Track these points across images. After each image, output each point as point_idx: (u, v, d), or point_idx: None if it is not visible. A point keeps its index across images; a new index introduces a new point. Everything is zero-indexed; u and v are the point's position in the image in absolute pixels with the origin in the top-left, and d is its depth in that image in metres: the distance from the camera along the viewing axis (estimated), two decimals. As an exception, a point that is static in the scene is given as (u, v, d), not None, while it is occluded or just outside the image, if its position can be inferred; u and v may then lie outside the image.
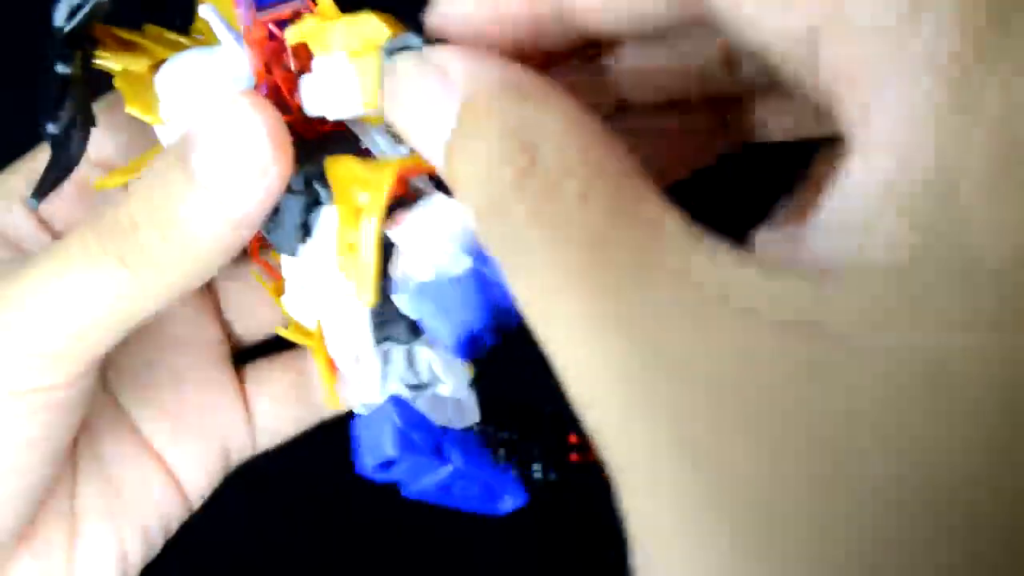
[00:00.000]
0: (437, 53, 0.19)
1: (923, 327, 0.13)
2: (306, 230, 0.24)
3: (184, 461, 0.28)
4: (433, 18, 0.20)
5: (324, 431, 0.32)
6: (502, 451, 0.45)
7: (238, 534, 0.42)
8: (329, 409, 0.29)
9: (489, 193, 0.17)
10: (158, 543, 0.28)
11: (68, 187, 0.25)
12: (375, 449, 0.23)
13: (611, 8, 0.19)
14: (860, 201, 0.15)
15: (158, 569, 0.30)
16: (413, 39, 0.21)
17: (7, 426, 0.23)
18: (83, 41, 0.24)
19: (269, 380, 0.30)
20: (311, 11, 0.24)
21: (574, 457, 0.43)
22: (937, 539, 0.13)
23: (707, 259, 0.15)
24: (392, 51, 0.21)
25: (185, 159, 0.22)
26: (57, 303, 0.23)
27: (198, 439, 0.29)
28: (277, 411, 0.30)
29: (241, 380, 0.30)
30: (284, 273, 0.25)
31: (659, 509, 0.14)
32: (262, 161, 0.22)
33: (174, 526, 0.29)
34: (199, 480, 0.29)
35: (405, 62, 0.20)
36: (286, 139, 0.22)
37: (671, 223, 0.16)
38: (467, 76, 0.18)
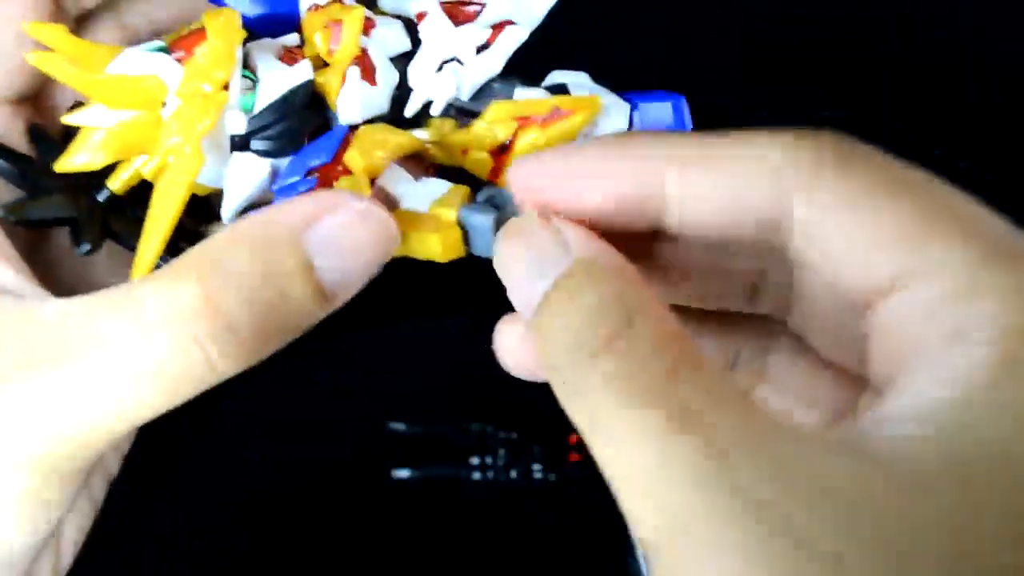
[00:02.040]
0: (557, 216, 0.21)
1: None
2: None
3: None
4: (514, 179, 0.22)
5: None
6: (502, 451, 0.45)
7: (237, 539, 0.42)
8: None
9: (580, 344, 0.18)
10: (117, 469, 0.28)
11: None
12: None
13: (706, 218, 0.20)
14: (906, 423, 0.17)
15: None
16: (503, 193, 0.23)
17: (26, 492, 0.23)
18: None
19: None
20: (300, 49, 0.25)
21: (574, 457, 0.43)
22: None
23: (799, 441, 0.17)
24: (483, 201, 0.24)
25: (311, 270, 0.22)
26: (119, 385, 0.21)
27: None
28: None
29: None
30: None
31: None
32: (388, 247, 0.23)
33: (128, 448, 0.29)
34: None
35: (529, 217, 0.21)
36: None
37: (756, 406, 0.17)
38: (580, 241, 0.20)
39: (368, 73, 0.25)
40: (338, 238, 0.22)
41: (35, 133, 0.25)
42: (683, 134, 0.21)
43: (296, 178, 0.23)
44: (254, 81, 0.24)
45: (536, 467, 0.43)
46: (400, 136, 0.24)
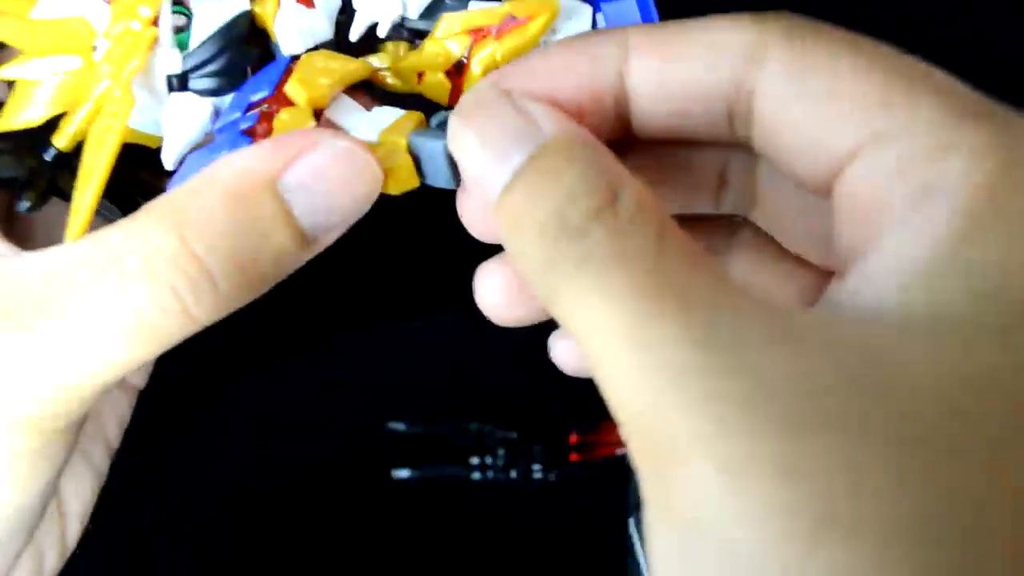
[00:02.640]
0: (520, 96, 0.20)
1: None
2: None
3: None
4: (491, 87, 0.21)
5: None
6: (502, 451, 0.45)
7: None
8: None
9: (564, 221, 0.17)
10: (118, 441, 0.28)
11: None
12: None
13: (667, 108, 0.20)
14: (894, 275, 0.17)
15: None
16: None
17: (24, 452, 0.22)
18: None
19: None
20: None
21: (574, 457, 0.43)
22: None
23: (775, 306, 0.16)
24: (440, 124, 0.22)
25: (290, 216, 0.21)
26: (99, 338, 0.21)
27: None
28: None
29: None
30: None
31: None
32: (373, 185, 0.22)
33: (128, 418, 0.28)
34: (142, 370, 0.29)
35: (487, 90, 0.20)
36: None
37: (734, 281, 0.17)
38: (551, 120, 0.19)
39: None
40: (316, 180, 0.21)
41: None
42: (643, 25, 0.21)
43: (237, 114, 0.22)
44: (188, 16, 0.23)
45: (536, 467, 0.43)
46: (345, 62, 0.23)
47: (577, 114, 0.20)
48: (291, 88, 0.22)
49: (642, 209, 0.18)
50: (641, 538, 0.40)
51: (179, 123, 0.23)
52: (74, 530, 0.27)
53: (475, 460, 0.43)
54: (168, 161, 0.23)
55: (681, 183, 0.22)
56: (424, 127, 0.23)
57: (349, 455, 0.43)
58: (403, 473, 0.42)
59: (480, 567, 0.42)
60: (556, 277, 0.17)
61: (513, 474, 0.43)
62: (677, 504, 0.15)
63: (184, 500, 0.42)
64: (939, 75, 0.18)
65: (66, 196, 0.23)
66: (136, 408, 0.36)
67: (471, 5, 0.24)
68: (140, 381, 0.29)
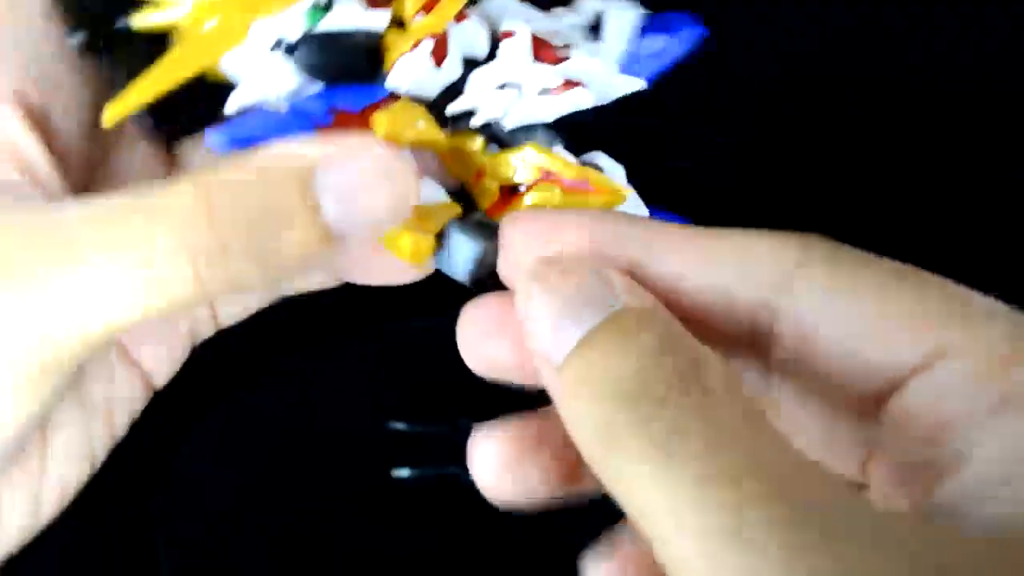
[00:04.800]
0: (597, 263, 0.19)
1: None
2: None
3: (151, 355, 0.28)
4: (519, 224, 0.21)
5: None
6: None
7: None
8: (298, 286, 0.28)
9: (644, 386, 0.16)
10: (123, 431, 0.28)
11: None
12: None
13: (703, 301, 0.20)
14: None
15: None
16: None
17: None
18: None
19: None
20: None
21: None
22: None
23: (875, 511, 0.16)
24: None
25: (316, 211, 0.21)
26: (106, 281, 0.21)
27: (165, 332, 0.28)
28: (240, 296, 0.29)
29: None
30: None
31: None
32: (406, 200, 0.22)
33: (139, 411, 0.28)
34: (164, 368, 0.28)
35: (570, 257, 0.20)
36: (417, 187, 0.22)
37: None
38: (628, 285, 0.19)
39: (437, 54, 0.24)
40: (352, 183, 0.21)
41: None
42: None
43: (315, 109, 0.23)
44: (330, 3, 0.24)
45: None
46: (432, 127, 0.24)
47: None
48: (379, 118, 0.23)
49: (730, 381, 0.17)
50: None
51: (262, 80, 0.23)
52: (47, 508, 0.26)
53: (475, 460, 0.43)
54: (232, 107, 0.24)
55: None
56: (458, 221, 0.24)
57: (349, 455, 0.43)
58: (403, 473, 0.42)
59: (480, 567, 0.41)
60: (624, 449, 0.16)
61: (513, 474, 0.43)
62: None
63: (185, 500, 0.42)
64: (975, 294, 0.18)
65: (113, 64, 0.24)
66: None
67: (555, 149, 0.25)
68: (161, 378, 0.29)
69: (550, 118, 0.25)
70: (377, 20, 0.24)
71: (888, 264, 0.19)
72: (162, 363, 0.28)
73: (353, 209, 0.21)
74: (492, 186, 0.25)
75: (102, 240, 0.21)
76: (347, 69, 0.24)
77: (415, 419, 0.43)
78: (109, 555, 0.40)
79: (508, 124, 0.25)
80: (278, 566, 0.41)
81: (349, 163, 0.21)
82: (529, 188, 0.25)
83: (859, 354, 0.19)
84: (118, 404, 0.28)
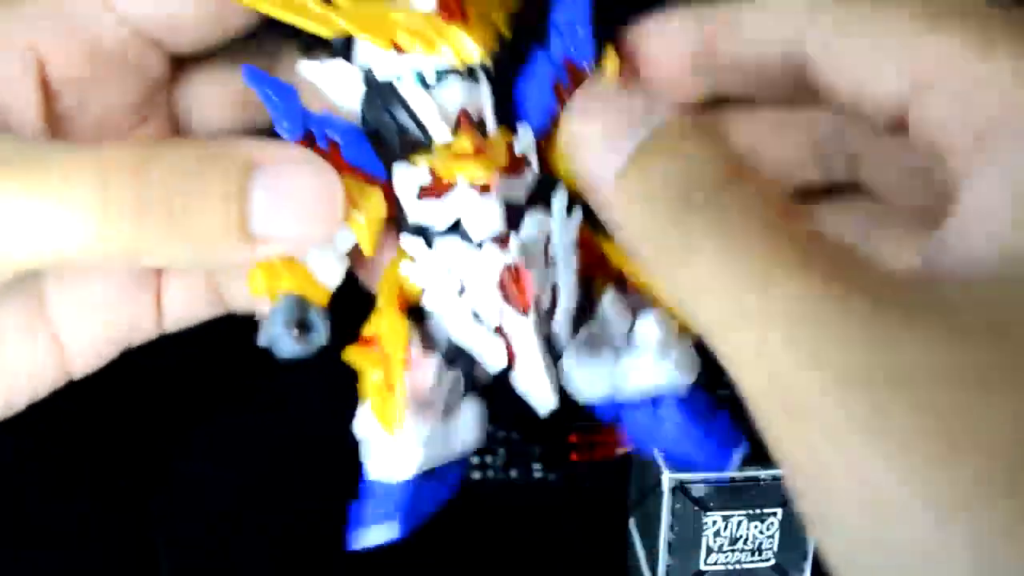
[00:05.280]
0: (631, 86, 0.22)
1: None
2: None
3: (79, 339, 0.27)
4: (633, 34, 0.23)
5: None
6: (502, 451, 0.45)
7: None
8: (240, 308, 0.28)
9: (689, 192, 0.18)
10: (19, 407, 0.27)
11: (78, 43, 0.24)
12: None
13: (741, 68, 0.22)
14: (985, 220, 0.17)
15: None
16: None
17: None
18: None
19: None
20: None
21: (574, 457, 0.43)
22: None
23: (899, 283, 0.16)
24: None
25: (241, 200, 0.21)
26: (18, 221, 0.21)
27: (100, 320, 0.28)
28: (187, 300, 0.29)
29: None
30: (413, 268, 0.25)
31: None
32: (330, 226, 0.22)
33: (42, 395, 0.28)
34: (88, 360, 0.28)
35: (606, 84, 0.22)
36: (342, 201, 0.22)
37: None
38: (667, 104, 0.21)
39: (518, 286, 0.23)
40: (287, 190, 0.21)
41: None
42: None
43: (333, 138, 0.22)
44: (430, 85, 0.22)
45: (536, 467, 0.43)
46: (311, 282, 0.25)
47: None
48: (254, 273, 0.23)
49: (767, 182, 0.18)
50: (641, 538, 0.40)
51: (333, 74, 0.23)
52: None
53: (475, 460, 0.43)
54: (305, 73, 0.23)
55: (777, 158, 0.24)
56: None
57: (349, 455, 0.43)
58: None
59: (480, 567, 0.41)
60: (679, 249, 0.18)
61: (513, 474, 0.43)
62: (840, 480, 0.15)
63: (185, 500, 0.42)
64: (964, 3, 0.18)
65: None
66: (139, 408, 0.37)
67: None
68: (80, 366, 0.27)
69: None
70: (437, 130, 0.22)
71: None
72: (87, 351, 0.27)
73: (279, 215, 0.21)
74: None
75: (20, 174, 0.21)
76: (393, 154, 0.23)
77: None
78: (109, 555, 0.40)
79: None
80: (278, 566, 0.41)
81: (290, 170, 0.21)
82: None
83: (864, 85, 0.19)
84: (24, 380, 0.26)
